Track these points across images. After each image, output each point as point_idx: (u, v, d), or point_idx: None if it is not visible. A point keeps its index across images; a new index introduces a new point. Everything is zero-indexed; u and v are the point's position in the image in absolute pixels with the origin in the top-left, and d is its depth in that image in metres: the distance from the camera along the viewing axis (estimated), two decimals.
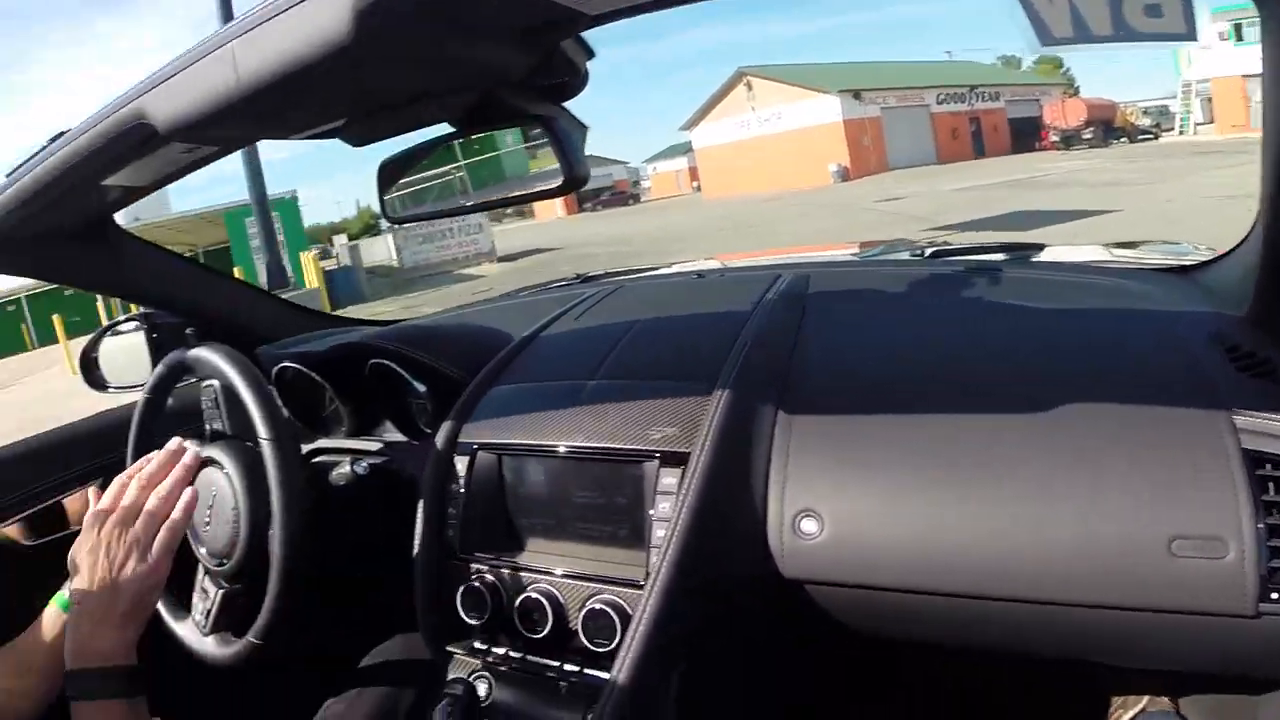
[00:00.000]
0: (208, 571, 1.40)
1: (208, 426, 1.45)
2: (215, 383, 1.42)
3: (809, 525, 1.12)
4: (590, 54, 1.07)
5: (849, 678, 1.60)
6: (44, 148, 1.27)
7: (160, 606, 1.42)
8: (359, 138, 1.21)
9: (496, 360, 1.52)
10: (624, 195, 65.57)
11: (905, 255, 1.81)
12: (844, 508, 1.12)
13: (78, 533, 1.42)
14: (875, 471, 1.13)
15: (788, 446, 1.19)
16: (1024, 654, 1.16)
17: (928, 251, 1.81)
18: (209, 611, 1.40)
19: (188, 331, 1.86)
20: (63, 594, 1.38)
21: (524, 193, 1.12)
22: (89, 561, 1.18)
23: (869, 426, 1.17)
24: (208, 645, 1.38)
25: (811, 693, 1.54)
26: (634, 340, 1.46)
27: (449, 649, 1.32)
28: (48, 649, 1.35)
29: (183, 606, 1.45)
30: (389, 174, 1.24)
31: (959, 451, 1.10)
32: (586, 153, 1.02)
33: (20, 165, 1.32)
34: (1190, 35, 0.87)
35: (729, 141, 47.81)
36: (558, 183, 1.05)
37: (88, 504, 1.45)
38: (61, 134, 1.26)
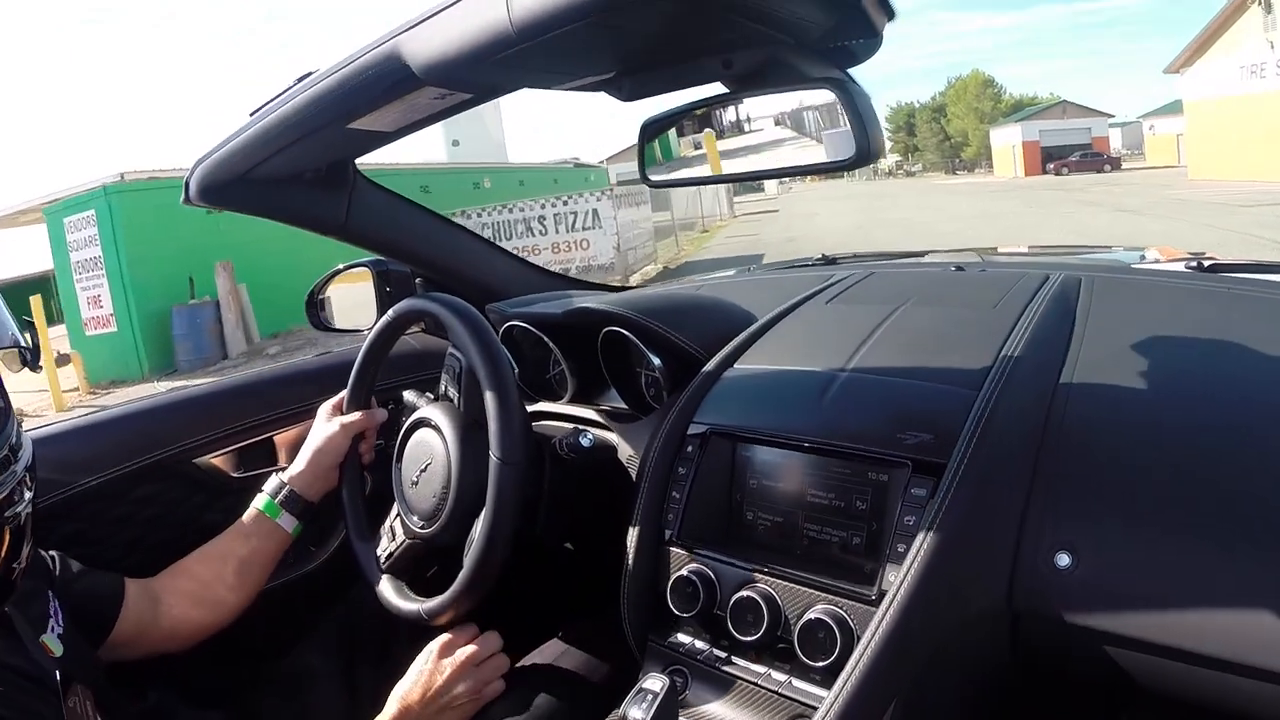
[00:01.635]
0: (404, 523, 1.42)
1: (442, 389, 1.47)
2: (458, 357, 1.41)
3: (1063, 559, 1.02)
4: (891, 14, 0.98)
5: None
6: (290, 88, 1.29)
7: (349, 524, 1.49)
8: (629, 92, 1.16)
9: (739, 340, 1.47)
10: (1101, 159, 50.67)
11: (1179, 267, 1.64)
12: (1105, 547, 1.01)
13: (284, 468, 1.47)
14: (1145, 514, 1.02)
15: (1052, 470, 1.08)
16: None
17: (1205, 265, 1.65)
18: (391, 553, 1.44)
19: (416, 281, 1.88)
20: (265, 496, 1.45)
21: (807, 164, 1.04)
22: (428, 676, 1.29)
23: (1144, 463, 1.06)
24: (383, 584, 1.42)
25: None
26: (889, 333, 1.38)
27: (650, 638, 1.27)
28: (255, 553, 1.43)
29: (371, 530, 1.50)
30: (652, 132, 1.21)
31: (1245, 506, 0.98)
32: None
33: (265, 104, 1.34)
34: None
35: (1231, 95, 28.28)
36: (850, 155, 0.98)
37: (297, 439, 1.50)
38: (308, 74, 1.26)
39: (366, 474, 1.57)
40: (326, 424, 1.51)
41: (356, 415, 1.51)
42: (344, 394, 1.54)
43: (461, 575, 1.27)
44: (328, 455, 1.49)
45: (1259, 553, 0.94)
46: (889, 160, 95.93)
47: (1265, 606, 0.91)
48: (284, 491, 1.45)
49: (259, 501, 1.45)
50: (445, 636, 1.33)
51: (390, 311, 1.49)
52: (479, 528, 1.26)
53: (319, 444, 1.49)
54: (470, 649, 1.32)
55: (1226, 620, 0.93)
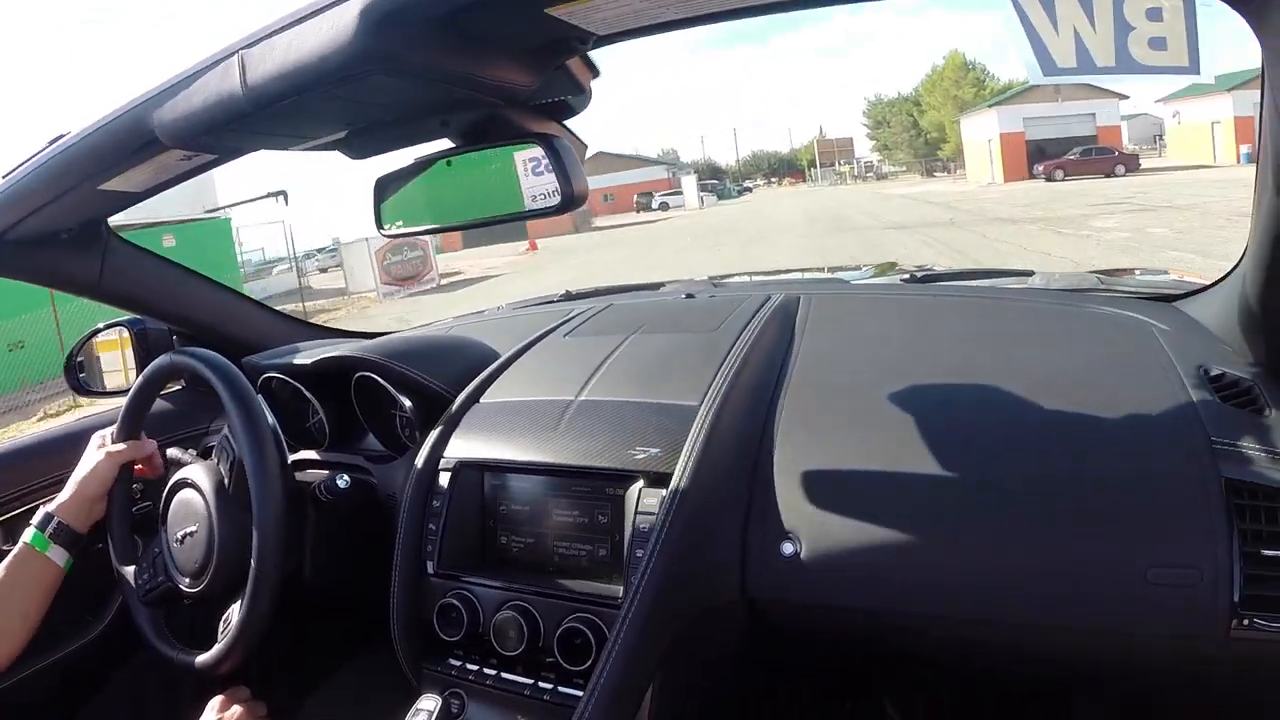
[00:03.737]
0: (169, 573, 1.42)
1: (215, 461, 1.45)
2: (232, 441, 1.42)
3: (787, 547, 1.14)
4: (596, 73, 1.10)
5: (823, 704, 1.60)
6: (43, 149, 1.29)
7: (113, 549, 1.48)
8: (359, 151, 1.23)
9: (482, 376, 1.54)
10: (1110, 156, 36.24)
11: (895, 280, 1.82)
12: (823, 531, 1.14)
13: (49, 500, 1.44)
14: (857, 496, 1.16)
15: (771, 469, 1.21)
16: (995, 679, 1.18)
17: (918, 276, 1.83)
18: (151, 587, 1.44)
19: (174, 338, 1.87)
20: (33, 529, 1.41)
21: (521, 210, 1.13)
22: None
23: (854, 451, 1.20)
24: (143, 616, 1.43)
25: (788, 712, 1.54)
26: (620, 359, 1.48)
27: (424, 665, 1.33)
28: (27, 593, 1.39)
29: (135, 555, 1.49)
30: (384, 188, 1.26)
31: (942, 478, 1.13)
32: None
33: (18, 166, 1.33)
34: (1194, 69, 0.88)
35: None
36: (556, 201, 1.08)
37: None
38: (60, 136, 1.27)
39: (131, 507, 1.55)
40: (94, 453, 1.49)
41: (123, 445, 1.50)
42: (113, 426, 1.52)
43: (233, 629, 1.30)
44: (93, 484, 1.46)
45: (959, 518, 1.10)
46: (869, 159, 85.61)
47: (961, 568, 1.07)
48: (52, 524, 1.41)
49: (26, 535, 1.41)
50: (221, 697, 1.34)
51: (163, 358, 1.49)
52: (248, 585, 1.29)
53: (84, 473, 1.46)
54: (251, 706, 1.34)
55: (932, 581, 1.09)
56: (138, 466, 1.53)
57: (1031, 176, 37.94)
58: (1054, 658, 1.14)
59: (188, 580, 1.38)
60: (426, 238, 21.75)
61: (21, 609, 1.37)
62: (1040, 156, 39.11)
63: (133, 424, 1.52)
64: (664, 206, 61.28)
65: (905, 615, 1.11)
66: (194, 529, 1.38)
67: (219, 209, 22.67)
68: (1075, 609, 1.04)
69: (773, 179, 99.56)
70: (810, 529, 1.14)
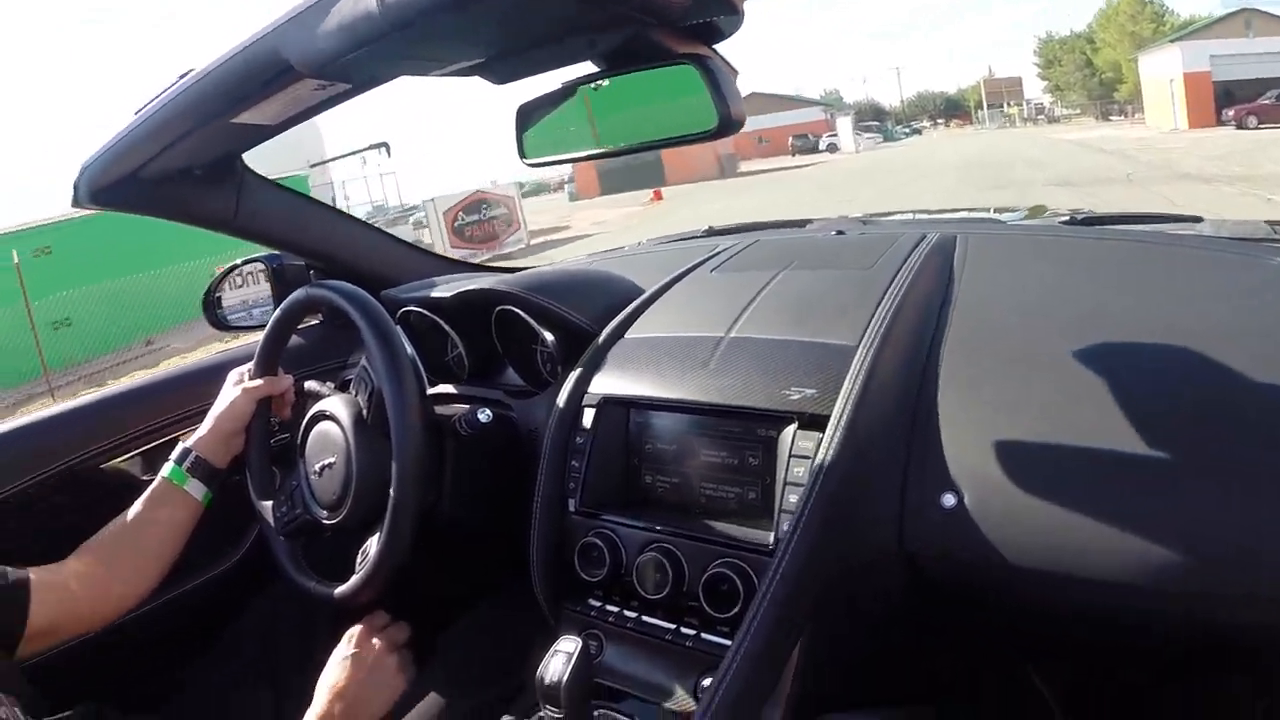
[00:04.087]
0: (307, 505, 1.44)
1: (352, 392, 1.47)
2: (366, 365, 1.42)
3: (948, 499, 1.07)
4: None
5: (968, 666, 1.54)
6: (173, 84, 1.28)
7: (251, 482, 1.52)
8: (500, 75, 1.19)
9: (627, 311, 1.50)
10: None
11: (1053, 221, 1.72)
12: (988, 484, 1.06)
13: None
14: (1025, 448, 1.07)
15: (932, 415, 1.14)
16: (1152, 653, 1.10)
17: (1078, 217, 1.72)
18: (290, 519, 1.47)
19: (311, 273, 1.88)
20: (172, 464, 1.44)
21: (672, 136, 1.08)
22: (352, 668, 1.30)
23: (1022, 400, 1.12)
24: (282, 549, 1.46)
25: (933, 673, 1.49)
26: (773, 295, 1.42)
27: (563, 605, 1.31)
28: (165, 526, 1.42)
29: (273, 489, 1.52)
30: (526, 116, 1.22)
31: (1120, 433, 1.04)
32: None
33: (149, 103, 1.33)
34: None
35: None
36: (711, 125, 1.02)
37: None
38: (189, 71, 1.26)
39: (275, 468, 1.58)
40: (231, 389, 1.52)
41: (260, 381, 1.52)
42: (251, 363, 1.55)
43: (371, 560, 1.31)
44: (230, 420, 1.49)
45: (1133, 478, 1.01)
46: (1041, 101, 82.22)
47: (1137, 530, 0.98)
48: (190, 458, 1.44)
49: (165, 470, 1.44)
50: (361, 625, 1.36)
51: (299, 293, 1.51)
52: (386, 517, 1.29)
53: (222, 409, 1.49)
54: (391, 632, 1.36)
55: (1106, 544, 0.99)
56: (275, 404, 1.55)
57: (1220, 123, 33.49)
58: (1233, 627, 1.06)
59: (326, 512, 1.40)
60: (515, 196, 21.21)
61: (159, 542, 1.41)
62: (1228, 100, 34.44)
63: (269, 359, 1.54)
64: (831, 149, 57.76)
65: (1071, 579, 1.03)
66: (332, 460, 1.38)
67: (323, 161, 22.80)
68: (1267, 575, 0.95)
69: (939, 120, 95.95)
70: (974, 481, 1.07)
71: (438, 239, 18.83)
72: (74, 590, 1.31)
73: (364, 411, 1.39)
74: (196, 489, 1.44)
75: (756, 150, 64.16)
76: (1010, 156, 27.99)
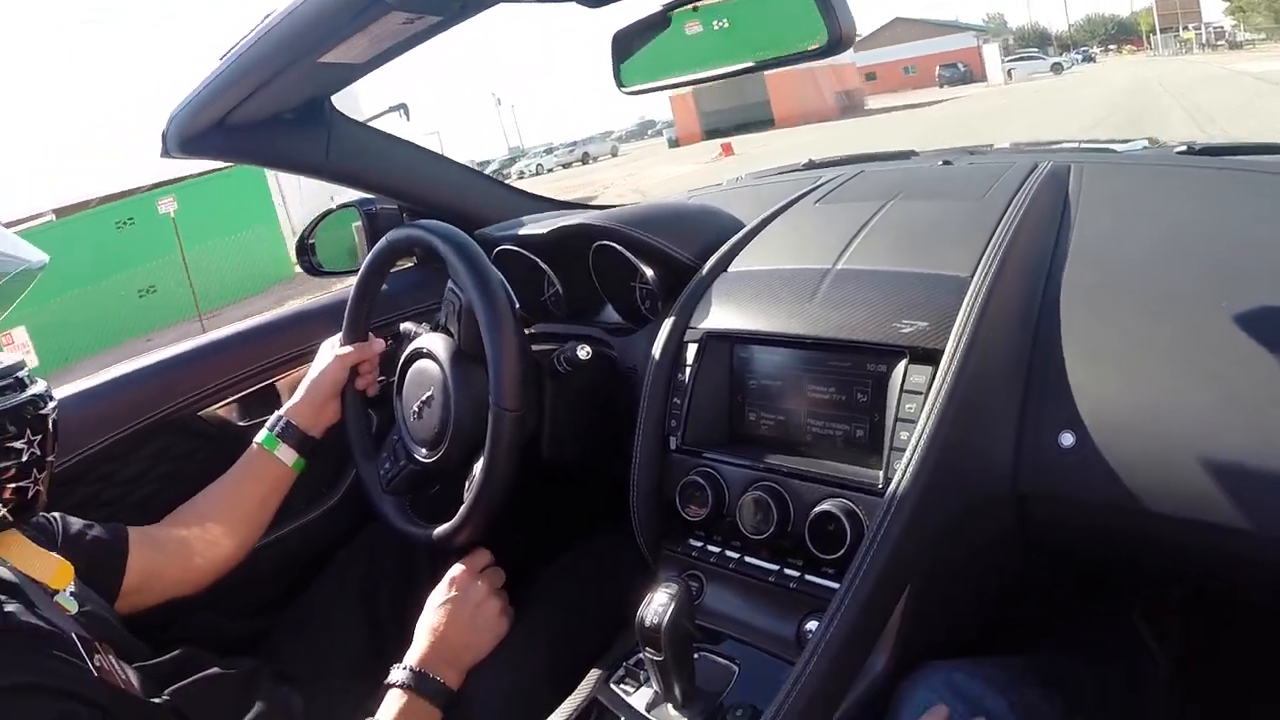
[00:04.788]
0: (408, 451, 1.45)
1: (441, 319, 1.48)
2: (455, 291, 1.42)
3: (1066, 438, 1.02)
4: None
5: (1069, 604, 1.49)
6: (256, 27, 1.27)
7: (352, 444, 1.55)
8: None
9: (730, 244, 1.46)
10: None
11: (1173, 153, 1.62)
12: (1108, 422, 1.01)
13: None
14: (1149, 386, 1.02)
15: (1050, 351, 1.09)
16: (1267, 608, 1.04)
17: (1196, 148, 1.63)
18: (394, 474, 1.48)
19: (404, 216, 1.88)
20: (265, 430, 1.48)
21: (781, 54, 1.03)
22: (454, 611, 1.31)
23: (1145, 337, 1.06)
24: (385, 504, 1.48)
25: (1037, 620, 1.44)
26: (880, 226, 1.37)
27: (663, 545, 1.29)
28: (253, 491, 1.46)
29: (375, 450, 1.54)
30: (623, 43, 1.19)
31: (1248, 369, 0.97)
32: None
33: (233, 47, 1.32)
34: None
35: None
36: (821, 42, 0.97)
37: (298, 382, 1.52)
38: (272, 12, 1.25)
39: (370, 410, 1.59)
40: (325, 355, 1.56)
41: (350, 347, 1.55)
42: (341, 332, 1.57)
43: (467, 500, 1.31)
44: (322, 386, 1.52)
45: (1262, 415, 0.94)
46: (1221, 24, 71.99)
47: (1264, 474, 0.92)
48: (280, 423, 1.48)
49: (259, 436, 1.48)
50: (460, 566, 1.36)
51: (381, 241, 1.51)
52: (483, 452, 1.29)
53: (314, 376, 1.53)
54: (491, 575, 1.37)
55: (1236, 487, 0.93)
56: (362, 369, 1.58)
57: None
58: None
59: (424, 451, 1.41)
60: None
61: (250, 507, 1.45)
62: None
63: (358, 323, 1.56)
64: (1009, 75, 52.54)
65: (1199, 526, 0.97)
66: (430, 394, 1.39)
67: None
68: None
69: (1109, 46, 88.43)
70: (1094, 419, 1.01)
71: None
72: (169, 552, 1.34)
73: (459, 344, 1.39)
74: (287, 455, 1.47)
75: (903, 81, 61.49)
76: (1168, 100, 22.00)
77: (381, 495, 1.48)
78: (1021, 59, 57.06)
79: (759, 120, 40.98)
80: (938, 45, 63.36)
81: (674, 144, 45.21)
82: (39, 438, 1.00)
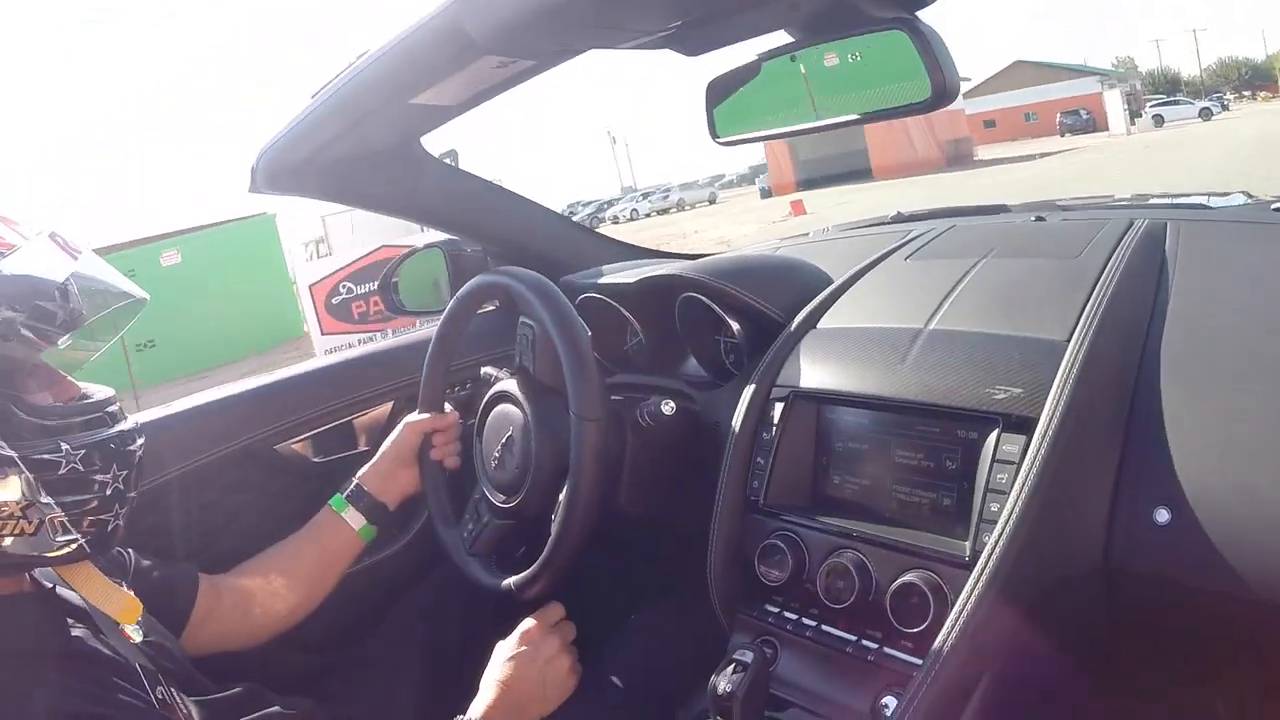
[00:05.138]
0: (490, 505, 1.44)
1: (517, 359, 1.47)
2: (531, 325, 1.43)
3: (1162, 514, 0.98)
4: None
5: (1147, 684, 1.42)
6: (349, 66, 1.29)
7: (432, 511, 1.52)
8: (693, 46, 1.15)
9: (819, 300, 1.44)
10: None
11: (1271, 209, 1.56)
12: (1208, 499, 0.96)
13: (365, 453, 1.49)
14: (1252, 461, 0.96)
15: (1149, 421, 1.04)
16: None
17: None
18: (477, 534, 1.46)
19: (489, 259, 1.89)
20: (339, 495, 1.46)
21: (883, 108, 1.01)
22: (523, 664, 1.29)
23: (1249, 408, 1.01)
24: (471, 565, 1.44)
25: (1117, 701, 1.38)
26: (972, 285, 1.34)
27: (738, 609, 1.26)
28: (318, 552, 1.44)
29: (455, 515, 1.51)
30: (718, 91, 1.18)
31: None
32: None
33: (325, 85, 1.34)
34: None
35: None
36: (925, 96, 0.96)
37: (376, 422, 1.51)
38: (365, 52, 1.27)
39: (446, 470, 1.58)
40: (399, 426, 1.54)
41: (425, 415, 1.53)
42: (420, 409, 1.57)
43: (549, 543, 1.29)
44: (395, 454, 1.51)
45: None
46: None
47: None
48: (351, 486, 1.47)
49: (331, 499, 1.47)
50: (533, 620, 1.34)
51: (465, 288, 1.51)
52: (564, 492, 1.27)
53: (387, 443, 1.52)
54: (563, 629, 1.34)
55: None
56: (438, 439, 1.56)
57: None
58: None
59: (503, 497, 1.39)
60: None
61: (313, 569, 1.43)
62: None
63: (435, 394, 1.56)
64: (1158, 120, 47.03)
65: None
66: (509, 434, 1.39)
67: None
68: None
69: (1243, 92, 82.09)
70: (1190, 495, 0.97)
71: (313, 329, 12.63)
72: (228, 603, 1.34)
73: (535, 375, 1.40)
74: (355, 519, 1.45)
75: (1024, 128, 59.18)
76: None
77: (467, 559, 1.46)
78: (1167, 103, 53.19)
79: (856, 171, 39.45)
80: (1062, 90, 59.88)
81: (766, 194, 43.78)
82: (125, 473, 1.01)
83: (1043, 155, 35.20)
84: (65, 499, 0.95)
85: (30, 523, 0.93)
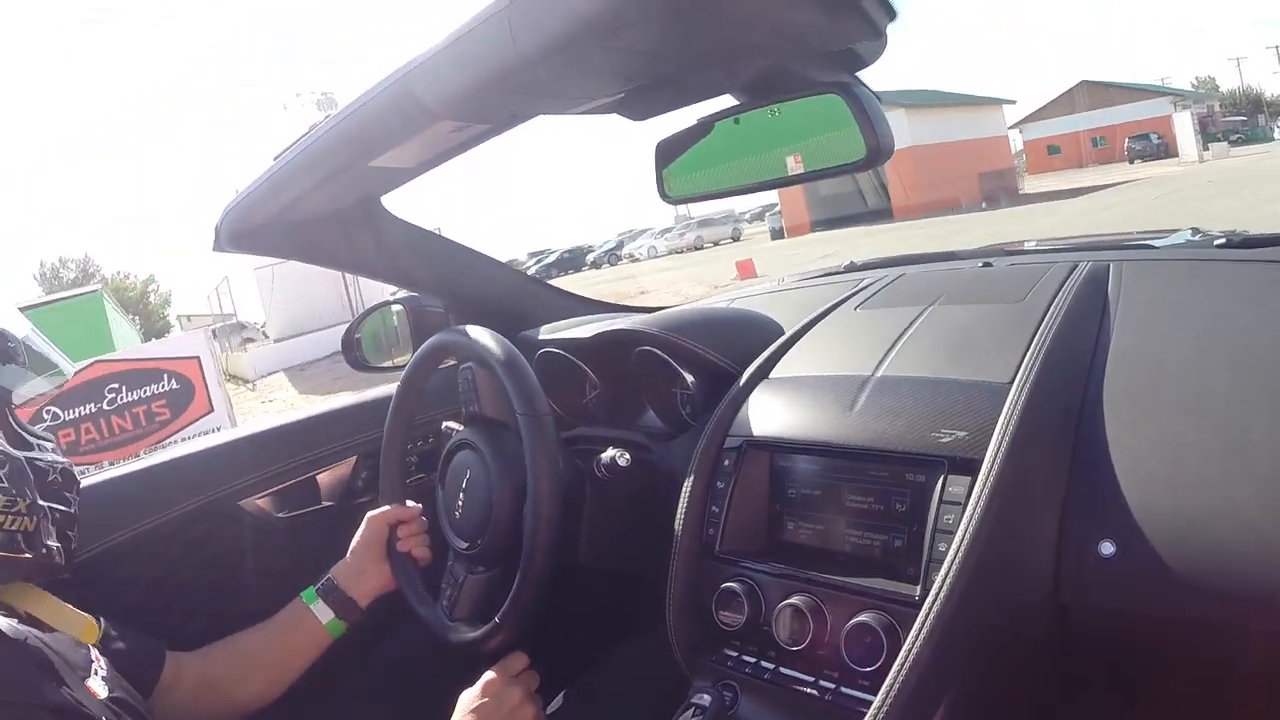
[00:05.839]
0: (457, 556, 1.45)
1: (464, 409, 1.49)
2: (471, 365, 1.45)
3: (1106, 547, 1.01)
4: (893, 14, 0.99)
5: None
6: (310, 129, 1.32)
7: (408, 596, 1.49)
8: (639, 111, 1.19)
9: (771, 350, 1.48)
10: None
11: (1212, 245, 1.62)
12: (1150, 531, 0.99)
13: (328, 507, 1.49)
14: (1193, 493, 1.00)
15: (1091, 458, 1.08)
16: None
17: (1236, 240, 1.62)
18: (455, 598, 1.44)
19: (449, 315, 1.92)
20: (311, 589, 1.46)
21: (821, 168, 1.06)
22: (493, 711, 1.30)
23: (1190, 443, 1.04)
24: (450, 632, 1.42)
25: None
26: (920, 332, 1.38)
27: (697, 654, 1.27)
28: (283, 645, 1.42)
29: (431, 594, 1.50)
30: (666, 152, 1.22)
31: None
32: None
33: (287, 148, 1.37)
34: None
35: None
36: (860, 156, 0.99)
37: (339, 478, 1.52)
38: (327, 116, 1.30)
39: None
40: (364, 520, 1.54)
41: (386, 508, 1.53)
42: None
43: (517, 577, 1.29)
44: (363, 549, 1.50)
45: None
46: None
47: None
48: (323, 581, 1.47)
49: (304, 591, 1.47)
50: (495, 671, 1.34)
51: (419, 351, 1.53)
52: (526, 504, 1.28)
53: (355, 540, 1.51)
54: (526, 679, 1.35)
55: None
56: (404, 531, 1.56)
57: None
58: None
59: (465, 545, 1.40)
60: (204, 345, 11.49)
61: (279, 656, 1.42)
62: None
63: (395, 486, 1.57)
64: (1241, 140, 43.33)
65: (1244, 632, 0.95)
66: (470, 483, 1.39)
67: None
68: None
69: None
70: (1139, 528, 1.00)
71: None
72: (192, 688, 1.33)
73: (482, 412, 1.42)
74: (324, 613, 1.44)
75: (1090, 154, 55.96)
76: None
77: (447, 628, 1.43)
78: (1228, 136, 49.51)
79: (874, 211, 36.91)
80: (1131, 113, 55.31)
81: (777, 234, 40.52)
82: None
83: (1103, 186, 31.67)
84: None
85: None
